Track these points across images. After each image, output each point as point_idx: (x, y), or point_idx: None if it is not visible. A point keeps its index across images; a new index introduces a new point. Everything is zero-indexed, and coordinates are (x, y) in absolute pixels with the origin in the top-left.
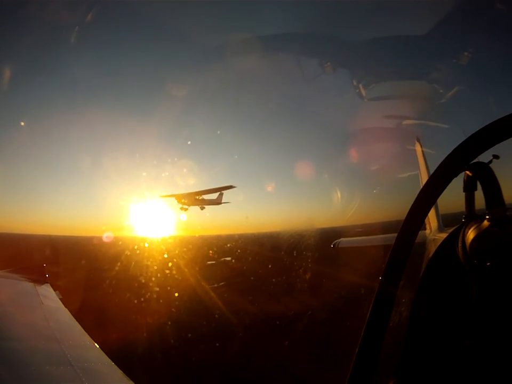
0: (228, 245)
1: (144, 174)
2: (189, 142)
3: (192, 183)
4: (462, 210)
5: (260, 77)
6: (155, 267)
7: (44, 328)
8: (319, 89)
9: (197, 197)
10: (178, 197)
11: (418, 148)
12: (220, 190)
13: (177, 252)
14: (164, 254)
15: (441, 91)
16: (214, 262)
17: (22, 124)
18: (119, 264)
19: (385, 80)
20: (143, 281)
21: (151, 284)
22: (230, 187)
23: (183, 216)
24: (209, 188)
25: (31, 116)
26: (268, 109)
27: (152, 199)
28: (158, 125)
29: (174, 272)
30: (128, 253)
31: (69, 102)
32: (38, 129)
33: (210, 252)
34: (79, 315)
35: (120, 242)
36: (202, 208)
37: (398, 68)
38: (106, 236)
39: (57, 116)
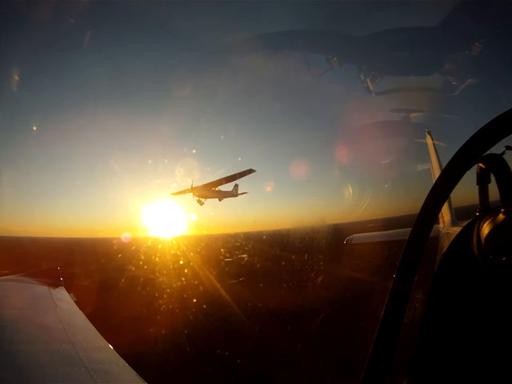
0: (242, 243)
1: (153, 174)
2: (197, 142)
3: (202, 181)
4: (473, 203)
5: (267, 76)
6: (184, 265)
7: (58, 330)
8: (327, 85)
9: (213, 188)
10: (194, 190)
11: (429, 141)
12: (239, 176)
13: (195, 250)
14: (184, 253)
15: (451, 83)
16: (231, 259)
17: (34, 128)
18: (149, 263)
19: (394, 73)
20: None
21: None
22: (250, 171)
23: (193, 216)
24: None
25: (42, 119)
26: (276, 107)
27: (162, 198)
28: (165, 125)
29: (202, 269)
30: (153, 253)
31: (79, 105)
32: (48, 132)
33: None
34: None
35: (138, 244)
36: (220, 199)
37: (406, 60)
38: (125, 236)
39: (68, 118)
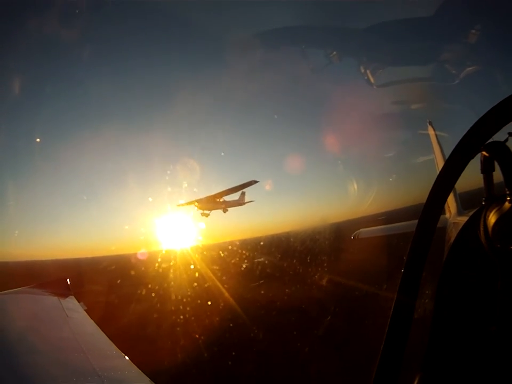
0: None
1: (159, 185)
2: (200, 150)
3: (208, 189)
4: (475, 188)
5: (267, 73)
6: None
7: (70, 340)
8: (327, 80)
9: (218, 200)
10: (199, 202)
11: (431, 132)
12: (241, 187)
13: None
14: (202, 262)
15: (450, 72)
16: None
17: (38, 140)
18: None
19: (393, 64)
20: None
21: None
22: (253, 182)
23: (202, 224)
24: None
25: (44, 132)
26: (277, 104)
27: (169, 210)
28: (164, 133)
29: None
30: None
31: (81, 117)
32: (48, 143)
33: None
34: None
35: (155, 257)
36: (225, 211)
37: (404, 51)
38: (141, 252)
39: (71, 131)
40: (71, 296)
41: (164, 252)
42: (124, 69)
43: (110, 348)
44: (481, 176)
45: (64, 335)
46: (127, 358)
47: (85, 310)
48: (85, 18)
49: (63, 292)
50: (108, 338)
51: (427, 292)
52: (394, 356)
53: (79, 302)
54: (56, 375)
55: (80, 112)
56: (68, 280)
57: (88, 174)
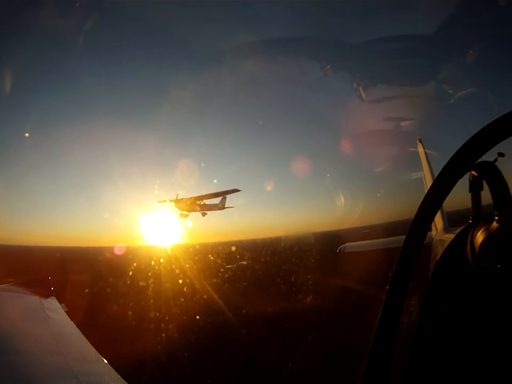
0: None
1: (149, 181)
2: (193, 147)
3: (195, 188)
4: (464, 207)
5: (261, 81)
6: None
7: (49, 342)
8: (320, 93)
9: (198, 202)
10: (177, 202)
11: (420, 149)
12: (223, 194)
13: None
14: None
15: (444, 91)
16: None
17: (27, 135)
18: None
19: (387, 81)
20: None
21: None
22: (235, 191)
23: (188, 223)
24: (212, 192)
25: (35, 126)
26: (270, 112)
27: (151, 206)
28: (159, 131)
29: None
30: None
31: (74, 111)
32: (40, 137)
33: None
34: None
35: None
36: (204, 214)
37: (399, 68)
38: (119, 247)
39: (63, 125)
40: (52, 297)
41: (141, 247)
42: (118, 68)
43: (90, 351)
44: (467, 196)
45: (44, 336)
46: (105, 361)
47: (65, 312)
48: (83, 14)
49: (44, 291)
50: (88, 341)
51: (412, 302)
52: (380, 362)
53: (60, 303)
54: (34, 376)
55: (73, 107)
56: (49, 279)
57: (77, 168)
